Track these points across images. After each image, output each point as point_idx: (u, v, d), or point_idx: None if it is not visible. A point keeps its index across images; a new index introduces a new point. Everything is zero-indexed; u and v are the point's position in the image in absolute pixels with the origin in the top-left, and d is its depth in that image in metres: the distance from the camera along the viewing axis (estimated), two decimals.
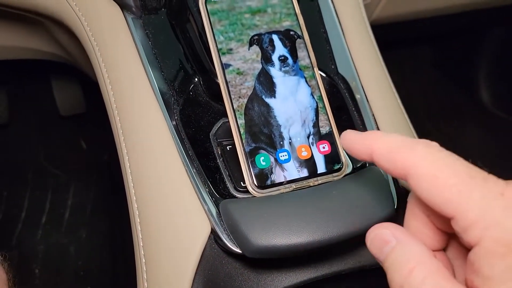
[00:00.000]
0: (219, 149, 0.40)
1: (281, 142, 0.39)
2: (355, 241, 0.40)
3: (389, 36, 0.96)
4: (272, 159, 0.38)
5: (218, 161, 0.40)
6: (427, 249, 0.25)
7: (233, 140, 0.40)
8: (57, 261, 0.99)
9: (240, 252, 0.35)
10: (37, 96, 1.15)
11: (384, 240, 0.27)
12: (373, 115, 0.44)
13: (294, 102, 0.40)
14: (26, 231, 1.03)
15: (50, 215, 1.07)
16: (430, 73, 1.41)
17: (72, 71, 1.10)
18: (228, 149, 0.40)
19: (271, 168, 0.38)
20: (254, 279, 0.37)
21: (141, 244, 0.36)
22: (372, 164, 0.41)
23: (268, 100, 0.39)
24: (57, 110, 1.14)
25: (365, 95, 0.45)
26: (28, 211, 1.06)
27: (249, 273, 0.37)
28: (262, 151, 0.38)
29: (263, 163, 0.38)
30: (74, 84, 1.13)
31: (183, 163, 0.38)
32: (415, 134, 0.46)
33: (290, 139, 0.39)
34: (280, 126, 0.39)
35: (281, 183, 0.38)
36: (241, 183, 0.38)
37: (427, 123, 1.38)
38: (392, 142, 0.27)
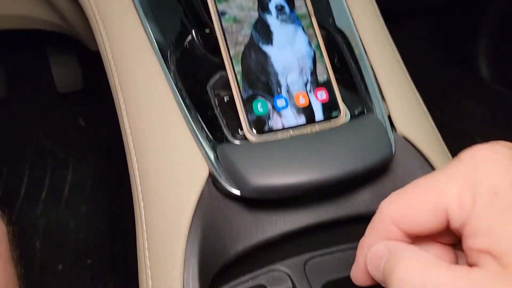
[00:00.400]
0: (216, 100, 0.40)
1: (279, 89, 0.39)
2: (352, 189, 0.40)
3: (389, 6, 0.96)
4: (270, 106, 0.38)
5: (215, 111, 0.40)
6: (418, 248, 0.25)
7: (231, 89, 0.40)
8: (57, 235, 0.99)
9: (239, 193, 0.35)
10: (35, 72, 1.14)
11: (378, 256, 0.26)
12: (372, 70, 0.44)
13: (291, 50, 0.40)
14: (26, 206, 1.04)
15: (49, 191, 1.07)
16: (429, 49, 1.41)
17: (70, 46, 1.09)
18: (226, 100, 0.40)
19: (269, 115, 0.38)
20: (253, 223, 0.37)
21: (139, 188, 0.36)
22: (370, 111, 0.41)
23: (265, 48, 0.39)
24: (55, 87, 1.14)
25: (364, 50, 0.45)
26: (27, 187, 1.07)
27: (247, 217, 0.37)
28: (260, 98, 0.38)
29: (261, 110, 0.38)
30: (71, 61, 1.12)
31: (180, 111, 0.38)
32: (414, 89, 0.45)
33: (287, 86, 0.39)
34: (277, 73, 0.39)
35: (278, 130, 0.38)
36: (239, 130, 0.38)
37: (426, 100, 1.38)
38: None
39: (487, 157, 0.24)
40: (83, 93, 1.16)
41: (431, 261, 0.23)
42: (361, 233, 0.44)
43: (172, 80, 0.40)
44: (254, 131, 0.37)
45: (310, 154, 0.35)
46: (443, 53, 1.37)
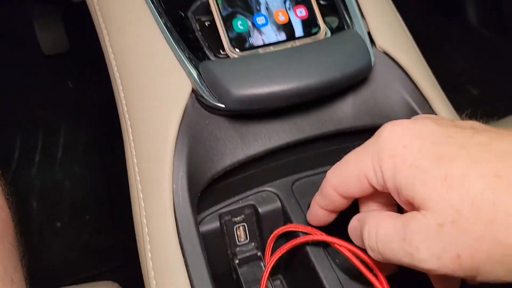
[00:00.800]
0: (197, 25, 0.41)
1: (258, 7, 0.39)
2: (335, 104, 0.41)
3: None
4: (250, 23, 0.38)
5: (197, 34, 0.40)
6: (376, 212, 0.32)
7: (211, 13, 0.40)
8: (53, 195, 1.00)
9: (222, 106, 0.35)
10: (19, 35, 1.13)
11: (354, 228, 0.33)
12: None
13: None
14: (20, 170, 1.04)
15: (43, 154, 1.08)
16: (417, 0, 1.40)
17: (53, 6, 1.07)
18: (207, 24, 0.41)
19: (249, 32, 0.38)
20: (238, 139, 0.38)
21: (125, 108, 0.37)
22: (349, 27, 0.41)
23: None
24: (41, 50, 1.13)
25: None
26: (21, 152, 1.07)
27: (233, 134, 0.38)
28: (239, 16, 0.38)
29: (241, 27, 0.38)
30: (56, 22, 1.11)
31: (162, 33, 0.39)
32: (393, 7, 0.46)
33: (266, 4, 0.39)
34: None
35: (259, 46, 0.38)
36: (220, 51, 0.39)
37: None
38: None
39: (389, 130, 0.29)
40: (69, 55, 1.15)
41: (382, 216, 0.30)
42: (347, 153, 0.46)
43: (152, 6, 0.40)
44: (236, 49, 0.38)
45: (291, 64, 0.36)
46: (431, 3, 1.36)
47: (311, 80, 0.35)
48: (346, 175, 0.32)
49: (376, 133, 0.30)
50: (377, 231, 0.29)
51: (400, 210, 0.33)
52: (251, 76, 0.35)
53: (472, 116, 0.43)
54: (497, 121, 0.67)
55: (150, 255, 0.32)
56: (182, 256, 0.32)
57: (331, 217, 0.36)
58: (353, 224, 0.33)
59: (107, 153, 1.07)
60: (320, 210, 0.35)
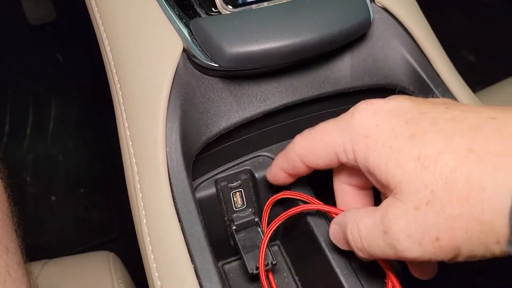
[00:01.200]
0: None
1: None
2: (332, 64, 0.39)
3: None
4: None
5: None
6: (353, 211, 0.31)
7: None
8: (47, 169, 0.99)
9: (216, 65, 0.34)
10: (4, 5, 1.09)
11: (336, 233, 0.33)
12: None
13: None
14: (12, 143, 1.03)
15: (34, 127, 1.06)
16: None
17: None
18: None
19: None
20: (233, 102, 0.37)
21: (114, 70, 0.35)
22: None
23: None
24: (27, 21, 1.09)
25: None
26: (11, 125, 1.05)
27: (227, 96, 0.37)
28: None
29: None
30: None
31: None
32: None
33: None
34: None
35: (253, 2, 0.36)
36: (212, 8, 0.37)
37: None
38: None
39: (362, 108, 0.29)
40: (56, 25, 1.12)
41: (360, 214, 0.29)
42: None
43: None
44: (229, 5, 0.36)
45: (286, 20, 0.34)
46: None
47: (308, 36, 0.33)
48: (315, 147, 0.31)
49: (350, 111, 0.30)
50: (359, 231, 0.29)
51: (376, 192, 0.33)
52: (245, 32, 0.33)
53: (469, 82, 0.42)
54: (492, 85, 0.66)
55: (145, 221, 0.31)
56: (178, 222, 0.31)
57: (290, 179, 0.36)
58: (334, 229, 0.33)
59: (100, 125, 1.06)
60: (280, 172, 0.35)
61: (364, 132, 0.28)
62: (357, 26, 0.35)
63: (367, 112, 0.29)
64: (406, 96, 0.30)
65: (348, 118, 0.30)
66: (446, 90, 0.39)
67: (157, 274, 0.30)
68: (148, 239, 0.31)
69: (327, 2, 0.36)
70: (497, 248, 0.24)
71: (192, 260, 0.30)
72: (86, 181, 0.97)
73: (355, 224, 0.29)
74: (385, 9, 0.39)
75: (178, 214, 0.31)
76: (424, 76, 0.39)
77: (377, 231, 0.28)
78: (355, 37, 0.36)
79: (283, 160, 0.35)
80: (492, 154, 0.23)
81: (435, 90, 0.39)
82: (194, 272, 0.29)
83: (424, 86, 0.39)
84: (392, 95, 0.42)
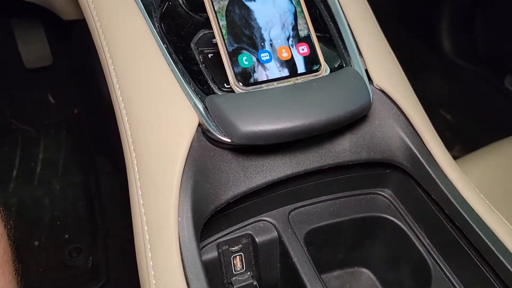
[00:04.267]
0: (201, 57, 0.41)
1: (262, 44, 0.40)
2: (333, 139, 0.42)
3: None
4: (254, 59, 0.40)
5: (200, 66, 0.41)
6: None
7: (214, 46, 0.41)
8: (32, 213, 0.98)
9: (229, 140, 0.36)
10: (0, 48, 1.10)
11: None
12: (348, 25, 0.46)
13: (273, 6, 0.41)
14: None
15: (21, 169, 1.05)
16: (395, 29, 1.45)
17: (37, 18, 1.06)
18: (210, 56, 0.41)
19: (254, 68, 0.39)
20: (241, 172, 0.39)
21: (131, 140, 0.37)
22: (348, 65, 0.43)
23: (248, 3, 0.40)
24: (22, 63, 1.11)
25: (341, 8, 0.47)
26: None
27: (236, 167, 0.39)
28: (245, 51, 0.39)
29: (246, 63, 0.39)
30: (39, 35, 1.09)
31: (168, 64, 0.39)
32: (388, 45, 0.48)
33: (270, 40, 0.40)
34: (260, 28, 0.40)
35: (263, 81, 0.39)
36: (225, 84, 0.40)
37: None
38: None
39: None
40: (51, 69, 1.13)
41: None
42: (341, 185, 0.47)
43: (158, 36, 0.40)
44: (240, 83, 0.39)
45: (296, 102, 0.37)
46: (408, 32, 1.41)
47: (317, 118, 0.36)
48: None
49: None
50: None
51: None
52: (258, 112, 0.36)
53: (447, 138, 0.45)
54: (474, 152, 0.70)
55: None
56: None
57: None
58: None
59: (88, 170, 1.05)
60: None
61: None
62: (360, 108, 0.38)
63: None
64: None
65: None
66: (437, 167, 0.42)
67: None
68: None
69: (333, 85, 0.39)
70: None
71: None
72: (71, 226, 0.96)
73: None
74: (382, 91, 0.43)
75: (187, 281, 0.33)
76: (417, 153, 0.42)
77: None
78: (357, 118, 0.40)
79: None
80: None
81: (427, 167, 0.42)
82: None
83: (417, 162, 0.42)
84: (390, 168, 0.45)
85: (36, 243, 0.93)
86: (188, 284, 0.33)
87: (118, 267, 0.88)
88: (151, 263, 0.34)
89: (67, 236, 0.94)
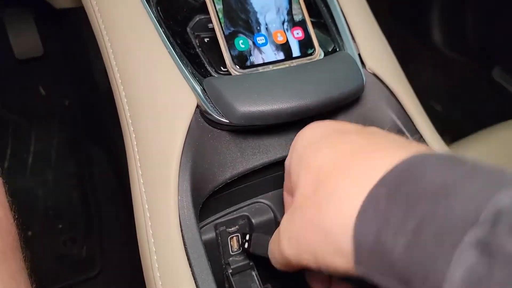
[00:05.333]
0: (197, 41, 0.42)
1: (258, 27, 0.41)
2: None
3: None
4: (251, 43, 0.40)
5: (197, 50, 0.41)
6: None
7: (210, 30, 0.42)
8: (25, 204, 0.98)
9: (227, 121, 0.37)
10: None
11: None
12: (341, 10, 0.47)
13: None
14: None
15: (12, 161, 1.05)
16: (386, 20, 1.46)
17: (27, 9, 1.05)
18: (206, 41, 0.42)
19: (250, 51, 0.40)
20: (238, 153, 0.40)
21: (130, 121, 0.38)
22: (341, 49, 0.44)
23: None
24: (13, 54, 1.10)
25: None
26: None
27: (233, 148, 0.40)
28: (241, 35, 0.40)
29: (242, 46, 0.40)
30: (29, 25, 1.08)
31: (165, 47, 0.40)
32: (380, 30, 0.49)
33: (266, 24, 0.41)
34: (256, 12, 0.41)
35: (260, 64, 0.40)
36: (221, 67, 0.40)
37: None
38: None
39: (300, 134, 0.34)
40: (42, 60, 1.12)
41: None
42: None
43: (155, 19, 0.41)
44: (237, 66, 0.39)
45: (292, 83, 0.38)
46: (400, 24, 1.43)
47: (311, 99, 0.37)
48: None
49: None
50: (271, 246, 0.33)
51: None
52: (255, 93, 0.37)
53: (437, 130, 0.47)
54: (460, 140, 0.72)
55: (157, 265, 0.33)
56: (189, 267, 0.33)
57: None
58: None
59: (81, 160, 1.05)
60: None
61: (294, 144, 0.33)
62: (353, 90, 0.40)
63: (302, 136, 0.33)
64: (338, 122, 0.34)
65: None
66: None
67: None
68: (160, 282, 0.33)
69: (327, 68, 0.40)
70: (339, 261, 0.24)
71: None
72: (65, 217, 0.96)
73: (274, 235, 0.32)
74: (374, 74, 0.44)
75: (189, 260, 0.34)
76: (409, 136, 0.43)
77: (275, 238, 0.31)
78: (351, 100, 0.41)
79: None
80: (356, 171, 0.25)
81: None
82: None
83: None
84: None
85: (30, 233, 0.93)
86: (190, 261, 0.33)
87: (113, 256, 0.89)
88: (152, 240, 0.34)
89: (61, 226, 0.94)
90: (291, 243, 0.28)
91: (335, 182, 0.25)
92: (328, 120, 0.34)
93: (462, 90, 1.31)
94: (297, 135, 0.33)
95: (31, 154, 1.07)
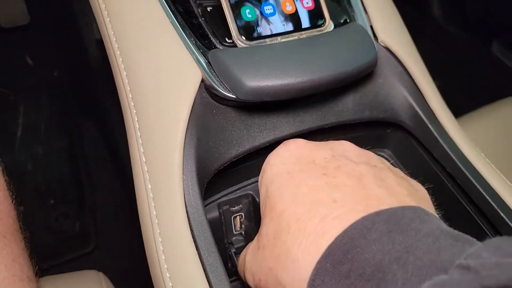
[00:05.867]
0: (199, 10, 0.39)
1: None
2: (336, 98, 0.42)
3: None
4: (258, 12, 0.38)
5: (200, 20, 0.39)
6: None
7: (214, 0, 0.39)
8: (15, 179, 0.95)
9: (233, 97, 0.35)
10: None
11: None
12: None
13: None
14: None
15: (1, 134, 1.01)
16: None
17: None
18: (209, 10, 0.39)
19: (257, 21, 0.38)
20: (244, 131, 0.38)
21: (130, 96, 0.35)
22: (352, 21, 0.42)
23: None
24: None
25: None
26: None
27: (239, 125, 0.38)
28: (247, 4, 0.38)
29: (249, 16, 0.37)
30: None
31: (167, 17, 0.37)
32: (392, 2, 0.46)
33: None
34: None
35: (267, 36, 0.38)
36: (226, 39, 0.38)
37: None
38: None
39: (272, 157, 0.32)
40: (29, 28, 1.07)
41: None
42: None
43: None
44: (243, 37, 0.37)
45: (303, 57, 0.36)
46: None
47: (324, 73, 0.35)
48: None
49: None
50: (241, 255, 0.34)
51: None
52: (264, 67, 0.34)
53: None
54: (460, 117, 0.71)
55: (162, 248, 0.32)
56: (195, 249, 0.31)
57: None
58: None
59: (72, 134, 1.02)
60: None
61: (265, 168, 0.32)
62: (366, 65, 0.37)
63: (282, 151, 0.32)
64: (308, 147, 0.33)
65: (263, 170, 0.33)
66: (440, 126, 0.42)
67: None
68: (166, 266, 0.31)
69: (339, 41, 0.38)
70: None
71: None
72: (57, 192, 0.94)
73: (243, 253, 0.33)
74: (387, 48, 0.42)
75: (195, 241, 0.32)
76: (420, 112, 0.42)
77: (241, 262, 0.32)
78: (364, 75, 0.39)
79: None
80: (308, 233, 0.26)
81: (429, 126, 0.42)
82: None
83: (420, 121, 0.42)
84: (391, 128, 0.44)
85: (22, 208, 0.91)
86: (195, 241, 0.32)
87: (107, 232, 0.87)
88: (156, 221, 0.33)
89: (53, 201, 0.92)
90: (254, 278, 0.30)
91: (292, 240, 0.26)
92: (302, 140, 0.33)
93: (461, 65, 1.29)
94: (269, 156, 0.32)
95: (19, 127, 1.03)
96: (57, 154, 1.00)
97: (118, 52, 0.36)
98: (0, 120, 1.04)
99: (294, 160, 0.31)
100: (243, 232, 0.44)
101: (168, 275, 0.31)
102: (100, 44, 0.39)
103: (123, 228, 0.86)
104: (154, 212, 0.33)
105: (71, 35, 1.00)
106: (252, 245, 0.31)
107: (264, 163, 0.33)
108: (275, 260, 0.27)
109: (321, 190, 0.28)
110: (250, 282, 0.31)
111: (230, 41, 0.38)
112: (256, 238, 0.31)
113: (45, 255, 0.83)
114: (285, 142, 0.33)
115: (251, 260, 0.31)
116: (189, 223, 0.33)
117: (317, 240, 0.25)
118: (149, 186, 0.34)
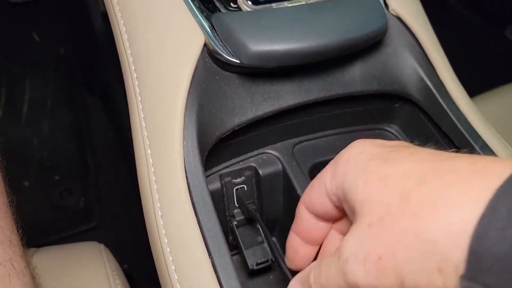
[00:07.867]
0: None
1: None
2: (343, 68, 0.40)
3: None
4: None
5: None
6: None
7: None
8: (20, 153, 0.95)
9: (237, 61, 0.34)
10: None
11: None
12: None
13: None
14: None
15: (7, 109, 1.01)
16: None
17: None
18: None
19: None
20: (248, 99, 0.37)
21: (131, 59, 0.34)
22: None
23: None
24: None
25: None
26: None
27: (243, 92, 0.37)
28: None
29: None
30: None
31: None
32: None
33: None
34: None
35: (273, 0, 0.36)
36: (231, 3, 0.37)
37: None
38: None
39: (353, 143, 0.29)
40: (36, 3, 1.07)
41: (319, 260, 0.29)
42: (348, 119, 0.45)
43: None
44: (249, 1, 0.36)
45: (310, 21, 0.34)
46: None
47: (332, 39, 0.34)
48: (312, 186, 0.30)
49: (336, 155, 0.30)
50: (320, 269, 0.27)
51: None
52: (270, 31, 0.33)
53: None
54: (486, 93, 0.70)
55: (160, 214, 0.31)
56: (195, 216, 0.31)
57: (308, 251, 0.32)
58: (295, 285, 0.30)
59: (77, 109, 1.02)
60: (294, 238, 0.33)
61: (348, 157, 0.28)
62: (376, 32, 0.36)
63: (356, 143, 0.29)
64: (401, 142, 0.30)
65: (333, 163, 0.29)
66: (450, 99, 0.40)
67: (173, 267, 0.30)
68: (164, 231, 0.31)
69: (348, 6, 0.36)
70: (439, 280, 0.21)
71: (210, 255, 0.30)
72: (62, 167, 0.94)
73: (318, 264, 0.28)
74: (398, 18, 0.40)
75: (194, 208, 0.31)
76: (431, 86, 0.40)
77: (332, 260, 0.26)
78: (373, 43, 0.37)
79: (294, 221, 0.33)
80: (458, 174, 0.22)
81: (439, 99, 0.40)
82: (212, 266, 0.29)
83: (430, 94, 0.41)
84: (400, 102, 0.43)
85: (26, 183, 0.91)
86: (195, 209, 0.31)
87: (110, 208, 0.87)
88: (156, 187, 0.32)
89: (57, 177, 0.92)
90: (368, 267, 0.23)
91: (436, 189, 0.22)
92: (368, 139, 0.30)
93: (475, 48, 1.27)
94: (345, 149, 0.29)
95: (26, 102, 1.03)
96: (63, 130, 1.00)
97: (120, 15, 0.35)
98: (7, 95, 1.04)
99: (390, 144, 0.28)
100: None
101: (166, 240, 0.30)
102: (105, 17, 0.38)
103: (127, 205, 0.86)
104: (154, 178, 0.32)
105: (78, 10, 0.99)
106: (352, 231, 0.25)
107: (341, 154, 0.29)
108: (408, 222, 0.22)
109: (443, 153, 0.25)
110: (358, 272, 0.24)
111: (235, 5, 0.36)
112: (357, 221, 0.25)
113: (48, 230, 0.84)
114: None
115: (357, 244, 0.24)
116: (189, 190, 0.32)
117: (480, 176, 0.21)
118: (149, 152, 0.33)
